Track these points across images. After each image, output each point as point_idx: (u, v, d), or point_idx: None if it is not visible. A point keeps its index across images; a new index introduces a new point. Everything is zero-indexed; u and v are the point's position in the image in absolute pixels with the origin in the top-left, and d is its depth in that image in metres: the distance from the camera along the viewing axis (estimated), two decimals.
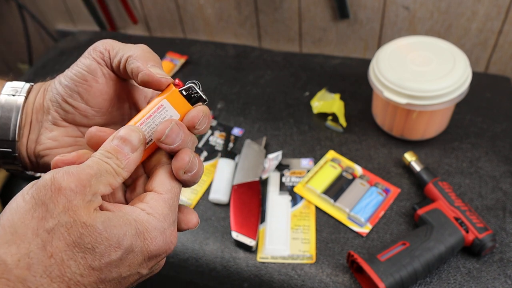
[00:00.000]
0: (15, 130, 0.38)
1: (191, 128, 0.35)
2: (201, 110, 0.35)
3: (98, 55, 0.37)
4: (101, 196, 0.30)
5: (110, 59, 0.37)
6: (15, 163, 0.40)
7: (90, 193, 0.29)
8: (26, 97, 0.39)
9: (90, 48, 0.38)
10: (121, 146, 0.32)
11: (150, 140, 0.35)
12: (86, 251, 0.28)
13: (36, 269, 0.27)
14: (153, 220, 0.31)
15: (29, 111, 0.39)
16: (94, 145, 0.34)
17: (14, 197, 0.29)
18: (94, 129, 0.34)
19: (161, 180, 0.34)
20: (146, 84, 0.35)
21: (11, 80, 0.41)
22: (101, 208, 0.30)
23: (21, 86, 0.39)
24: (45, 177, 0.29)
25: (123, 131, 0.33)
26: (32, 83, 0.40)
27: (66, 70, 0.38)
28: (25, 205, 0.28)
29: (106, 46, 0.37)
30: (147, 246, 0.31)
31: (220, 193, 0.75)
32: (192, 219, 0.36)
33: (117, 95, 0.39)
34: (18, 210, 0.28)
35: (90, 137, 0.34)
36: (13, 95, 0.39)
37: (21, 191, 0.29)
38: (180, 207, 0.36)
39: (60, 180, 0.28)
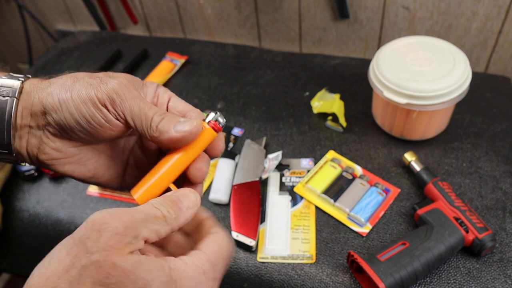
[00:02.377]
0: (9, 134, 0.36)
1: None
2: (222, 138, 0.39)
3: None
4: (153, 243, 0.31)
5: (136, 127, 0.36)
6: (15, 161, 0.39)
7: (130, 235, 0.29)
8: (19, 98, 0.37)
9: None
10: (180, 199, 0.33)
11: None
12: None
13: None
14: (190, 271, 0.30)
15: (26, 114, 0.37)
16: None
17: None
18: None
19: (211, 246, 0.34)
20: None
21: (6, 71, 0.39)
22: (142, 252, 0.30)
23: (11, 85, 0.37)
24: (89, 218, 0.29)
25: (185, 191, 0.34)
26: (22, 79, 0.38)
27: (78, 101, 0.35)
28: (66, 242, 0.29)
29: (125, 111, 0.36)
30: None
31: (220, 193, 0.75)
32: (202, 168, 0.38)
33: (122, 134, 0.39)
34: (58, 247, 0.29)
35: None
36: (3, 97, 0.36)
37: None
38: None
39: (102, 221, 0.28)
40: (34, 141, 0.38)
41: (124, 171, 0.42)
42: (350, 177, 0.76)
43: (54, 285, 0.27)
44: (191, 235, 0.37)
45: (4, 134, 0.36)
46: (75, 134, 0.37)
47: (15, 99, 0.36)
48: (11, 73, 0.38)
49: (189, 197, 0.33)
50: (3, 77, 0.37)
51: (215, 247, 0.34)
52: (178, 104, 0.39)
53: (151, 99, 0.39)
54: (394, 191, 0.74)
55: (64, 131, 0.37)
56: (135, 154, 0.43)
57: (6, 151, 0.37)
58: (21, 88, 0.37)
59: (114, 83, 0.35)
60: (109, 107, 0.35)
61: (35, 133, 0.37)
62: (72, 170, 0.39)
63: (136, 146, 0.43)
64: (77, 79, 0.36)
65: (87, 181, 0.40)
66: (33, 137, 0.38)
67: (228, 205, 0.75)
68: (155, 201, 0.32)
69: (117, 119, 0.36)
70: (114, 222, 0.28)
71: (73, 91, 0.35)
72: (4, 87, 0.36)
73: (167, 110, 0.39)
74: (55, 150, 0.37)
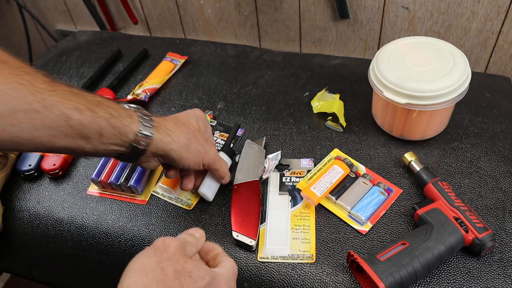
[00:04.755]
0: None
1: None
2: None
3: None
4: None
5: None
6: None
7: (182, 251, 0.47)
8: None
9: None
10: (194, 233, 0.52)
11: None
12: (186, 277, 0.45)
13: None
14: (224, 274, 0.50)
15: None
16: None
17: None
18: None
19: (227, 265, 0.52)
20: None
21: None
22: None
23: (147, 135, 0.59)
24: (156, 242, 0.48)
25: (193, 231, 0.53)
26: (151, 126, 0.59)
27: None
28: (144, 257, 0.45)
29: None
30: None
31: (209, 190, 0.73)
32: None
33: None
34: (139, 258, 0.46)
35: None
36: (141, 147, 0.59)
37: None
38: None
39: (166, 243, 0.47)
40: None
41: None
42: (353, 175, 0.76)
43: (146, 280, 0.42)
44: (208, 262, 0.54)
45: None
46: None
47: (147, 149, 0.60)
48: (140, 115, 0.59)
49: (197, 232, 0.52)
50: (139, 119, 0.59)
51: (229, 266, 0.52)
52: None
53: None
54: (397, 191, 0.74)
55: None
56: None
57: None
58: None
59: None
60: None
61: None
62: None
63: None
64: None
65: None
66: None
67: (224, 204, 0.75)
68: (183, 235, 0.51)
69: None
70: (172, 244, 0.46)
71: None
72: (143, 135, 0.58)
73: None
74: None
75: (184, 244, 0.47)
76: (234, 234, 0.69)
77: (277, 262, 0.67)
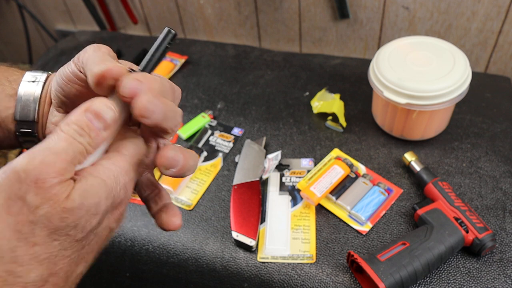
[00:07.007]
0: (35, 112, 0.40)
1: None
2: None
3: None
4: None
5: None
6: (35, 141, 0.41)
7: (67, 178, 0.29)
8: (44, 84, 0.41)
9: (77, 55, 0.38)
10: (94, 122, 0.31)
11: None
12: (70, 230, 0.29)
13: (22, 260, 0.27)
14: (118, 174, 0.31)
15: (46, 99, 0.41)
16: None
17: None
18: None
19: (124, 142, 0.33)
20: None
21: (30, 70, 0.43)
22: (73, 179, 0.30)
23: (40, 74, 0.42)
24: (17, 167, 0.27)
25: (98, 104, 0.31)
26: (50, 72, 0.43)
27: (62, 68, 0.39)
28: None
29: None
30: (115, 202, 0.31)
31: None
32: (175, 221, 0.37)
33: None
34: None
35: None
36: (33, 81, 0.41)
37: None
38: (168, 206, 0.38)
39: (37, 172, 0.27)
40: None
41: None
42: (353, 175, 0.76)
43: (9, 246, 0.27)
44: None
45: (30, 112, 0.41)
46: (61, 101, 0.39)
47: (42, 84, 0.41)
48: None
49: (106, 115, 0.31)
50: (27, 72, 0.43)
51: (131, 149, 0.33)
52: None
53: None
54: (397, 191, 0.74)
55: (58, 102, 0.39)
56: None
57: (30, 130, 0.41)
58: (48, 76, 0.42)
59: (90, 45, 0.37)
60: (76, 60, 0.37)
61: (50, 113, 0.41)
62: None
63: None
64: None
65: None
66: (49, 117, 0.41)
67: (227, 204, 0.75)
68: (73, 131, 0.30)
69: (80, 71, 0.37)
70: (48, 170, 0.27)
71: None
72: (35, 75, 0.42)
73: None
74: (53, 124, 0.41)
75: (70, 167, 0.29)
76: (234, 234, 0.69)
77: (277, 262, 0.67)
